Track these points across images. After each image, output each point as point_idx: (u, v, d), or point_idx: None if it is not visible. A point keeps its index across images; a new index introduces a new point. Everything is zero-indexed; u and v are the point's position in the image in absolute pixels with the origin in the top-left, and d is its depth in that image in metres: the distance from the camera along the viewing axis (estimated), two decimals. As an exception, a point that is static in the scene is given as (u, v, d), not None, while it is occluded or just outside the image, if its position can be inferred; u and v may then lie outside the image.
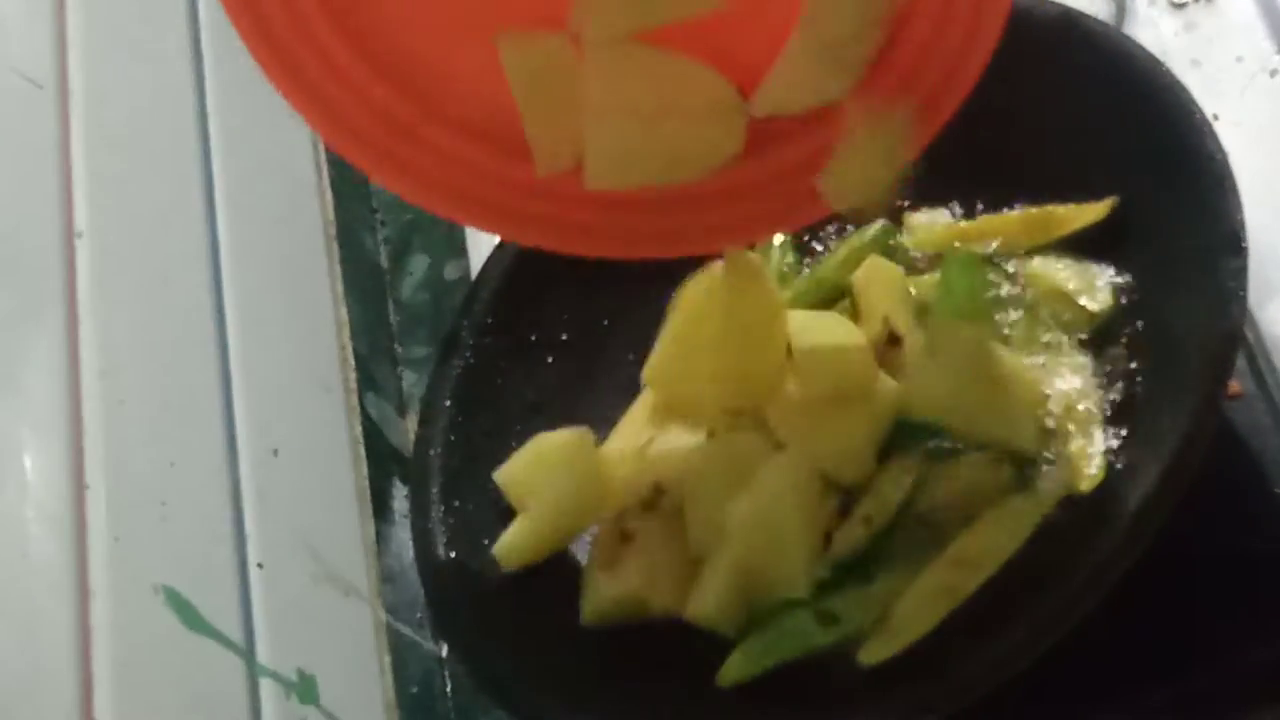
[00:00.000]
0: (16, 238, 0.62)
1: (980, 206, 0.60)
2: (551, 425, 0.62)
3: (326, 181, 0.85)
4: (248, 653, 0.62)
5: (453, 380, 0.62)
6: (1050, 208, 0.57)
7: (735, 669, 0.54)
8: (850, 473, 0.54)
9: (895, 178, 0.50)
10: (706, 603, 0.54)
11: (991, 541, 0.51)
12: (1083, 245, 0.57)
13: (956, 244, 0.58)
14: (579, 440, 0.60)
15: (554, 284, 0.64)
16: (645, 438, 0.59)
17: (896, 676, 0.50)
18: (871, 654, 0.51)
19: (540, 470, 0.59)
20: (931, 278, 0.58)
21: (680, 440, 0.57)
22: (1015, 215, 0.58)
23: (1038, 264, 0.57)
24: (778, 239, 0.64)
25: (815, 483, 0.54)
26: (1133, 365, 0.53)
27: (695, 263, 0.62)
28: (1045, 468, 0.52)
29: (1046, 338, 0.55)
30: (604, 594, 0.57)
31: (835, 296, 0.60)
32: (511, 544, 0.58)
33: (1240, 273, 0.48)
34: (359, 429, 0.76)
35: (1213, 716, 0.53)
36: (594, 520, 0.58)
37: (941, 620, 0.50)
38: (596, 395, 0.63)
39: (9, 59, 0.66)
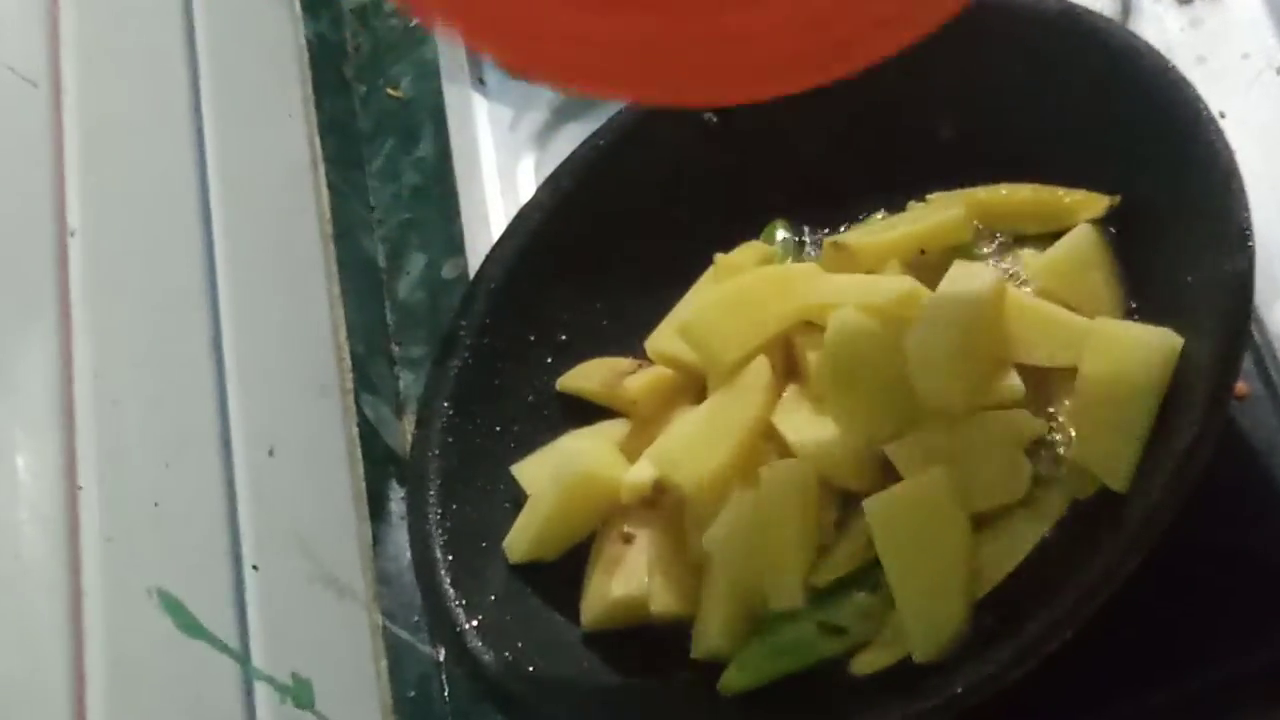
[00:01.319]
0: (9, 236, 0.62)
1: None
2: (551, 426, 0.62)
3: (323, 180, 0.84)
4: (242, 656, 0.62)
5: (450, 381, 0.62)
6: (1058, 190, 0.56)
7: (736, 679, 0.53)
8: (854, 480, 0.54)
9: None
10: (710, 639, 0.54)
11: (996, 551, 0.50)
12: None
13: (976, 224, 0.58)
14: (596, 437, 0.60)
15: (553, 284, 0.64)
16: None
17: (898, 681, 0.49)
18: (866, 664, 0.51)
19: (553, 465, 0.59)
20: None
21: (685, 437, 0.57)
22: (1025, 193, 0.57)
23: (1040, 265, 0.56)
24: (780, 233, 0.63)
25: (815, 488, 0.53)
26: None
27: (700, 265, 0.62)
28: (1051, 476, 0.51)
29: None
30: (604, 597, 0.56)
31: None
32: (516, 537, 0.58)
33: (1246, 270, 0.47)
34: (355, 430, 0.76)
35: (1214, 717, 0.52)
36: (600, 518, 0.58)
37: None
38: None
39: (2, 56, 0.66)
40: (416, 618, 0.73)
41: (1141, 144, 0.53)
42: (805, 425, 0.55)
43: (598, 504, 0.58)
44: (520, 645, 0.55)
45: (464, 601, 0.56)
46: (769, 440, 0.56)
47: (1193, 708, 0.52)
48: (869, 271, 0.57)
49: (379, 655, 0.71)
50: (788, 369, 0.57)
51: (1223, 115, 0.59)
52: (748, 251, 0.62)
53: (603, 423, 0.61)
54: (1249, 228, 0.48)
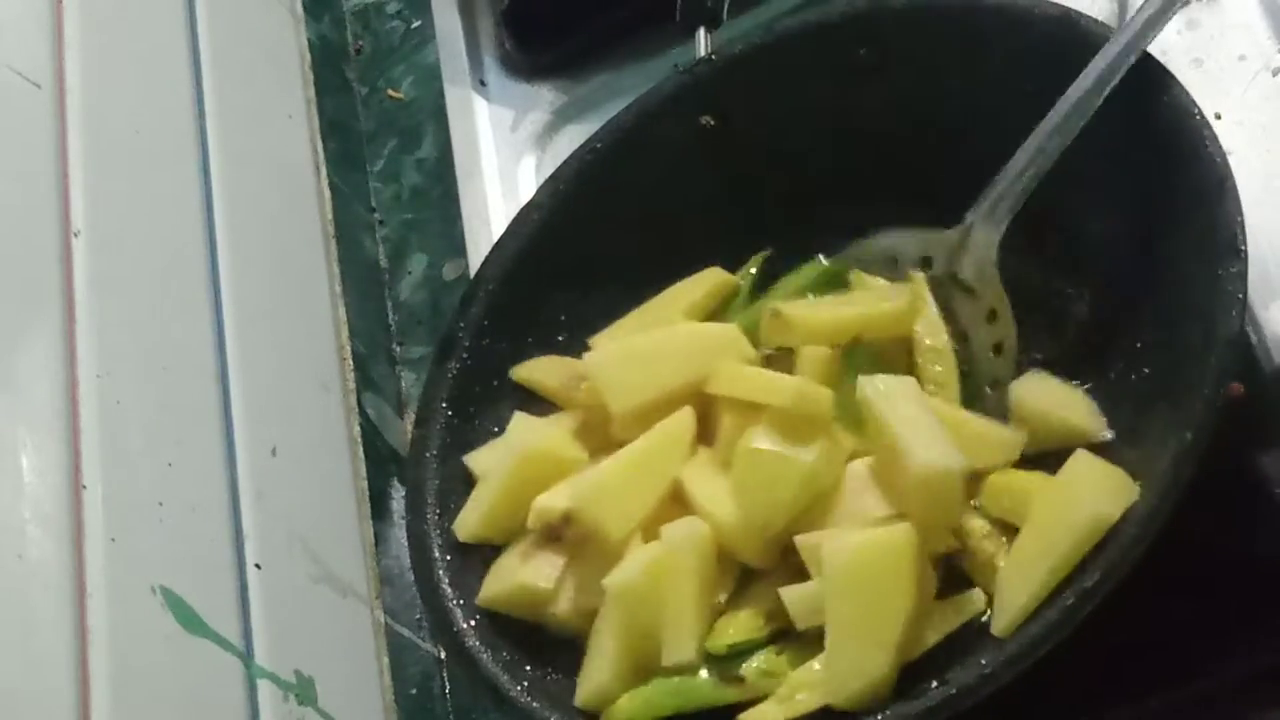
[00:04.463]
0: (14, 236, 0.62)
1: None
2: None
3: (325, 181, 0.85)
4: (246, 654, 0.62)
5: (449, 382, 0.62)
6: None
7: (625, 711, 0.51)
8: (754, 557, 0.53)
9: None
10: (599, 680, 0.52)
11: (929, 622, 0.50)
12: (1083, 248, 0.57)
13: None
14: (546, 420, 0.60)
15: (551, 285, 0.64)
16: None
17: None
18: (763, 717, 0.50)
19: (502, 446, 0.59)
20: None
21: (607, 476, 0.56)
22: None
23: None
24: (753, 270, 0.63)
25: (713, 551, 0.52)
26: (1134, 367, 0.53)
27: (697, 267, 0.63)
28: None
29: None
30: (509, 576, 0.56)
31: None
32: (466, 516, 0.58)
33: (1240, 275, 0.47)
34: (357, 429, 0.76)
35: (1214, 718, 0.52)
36: (538, 492, 0.57)
37: None
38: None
39: (7, 58, 0.66)
40: (418, 616, 0.73)
41: (1136, 148, 0.53)
42: (713, 490, 0.54)
43: (545, 480, 0.57)
44: (519, 645, 0.55)
45: (462, 601, 0.56)
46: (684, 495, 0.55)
47: (1192, 709, 0.52)
48: (804, 343, 0.56)
49: (381, 653, 0.71)
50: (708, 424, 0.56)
51: (1219, 117, 0.59)
52: (703, 282, 0.62)
53: (556, 415, 0.61)
54: (1242, 232, 0.48)
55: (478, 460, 0.60)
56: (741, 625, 0.52)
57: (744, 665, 0.51)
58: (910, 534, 0.49)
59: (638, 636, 0.52)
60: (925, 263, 0.59)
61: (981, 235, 0.57)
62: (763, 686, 0.50)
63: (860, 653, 0.48)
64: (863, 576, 0.49)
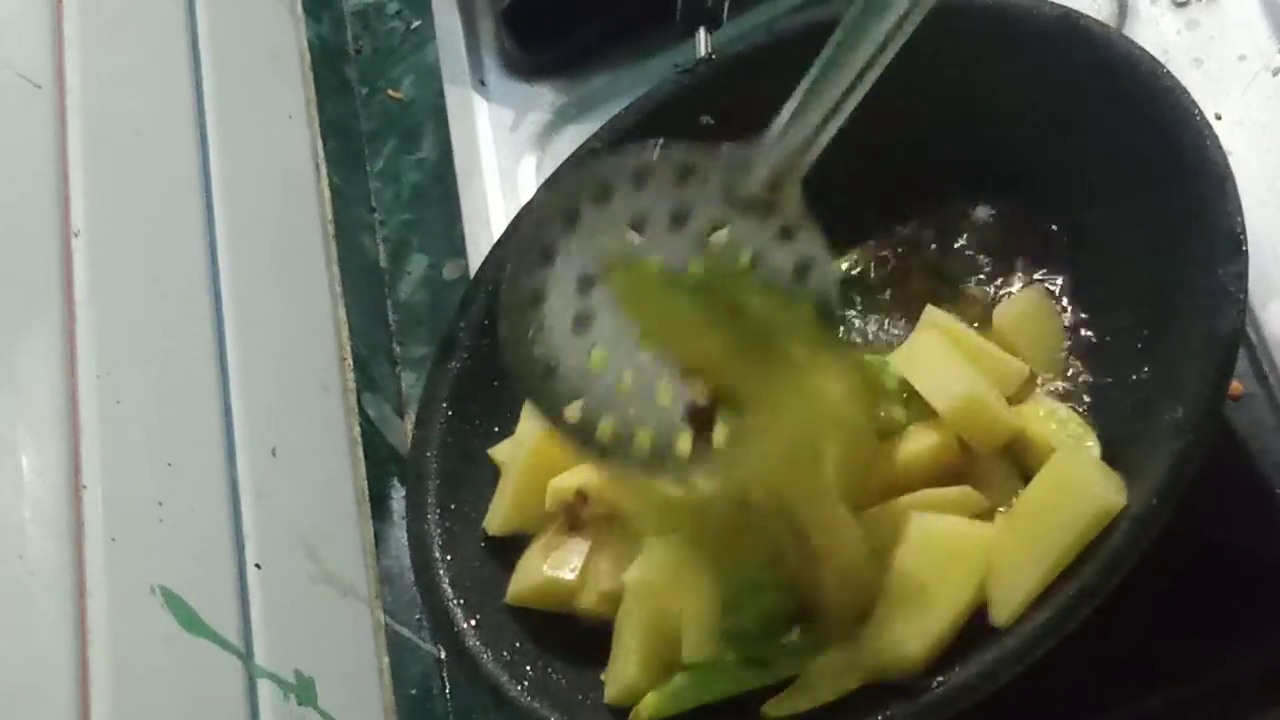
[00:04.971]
0: (14, 237, 0.62)
1: (980, 207, 0.60)
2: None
3: (325, 181, 0.85)
4: (246, 654, 0.62)
5: (449, 381, 0.62)
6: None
7: (654, 706, 0.52)
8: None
9: None
10: (627, 678, 0.52)
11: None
12: (1080, 250, 0.57)
13: None
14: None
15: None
16: None
17: (893, 684, 0.49)
18: (777, 708, 0.50)
19: (519, 433, 0.59)
20: None
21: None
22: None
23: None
24: None
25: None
26: (1134, 367, 0.53)
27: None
28: None
29: None
30: (534, 573, 0.56)
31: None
32: (494, 509, 0.59)
33: (1240, 275, 0.47)
34: (357, 429, 0.76)
35: (1214, 718, 0.52)
36: (559, 473, 0.57)
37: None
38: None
39: (7, 59, 0.66)
40: (418, 616, 0.73)
41: (1136, 148, 0.53)
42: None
43: (562, 464, 0.57)
44: (519, 645, 0.55)
45: (462, 601, 0.56)
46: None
47: (1192, 709, 0.52)
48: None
49: (381, 653, 0.71)
50: None
51: (1219, 117, 0.59)
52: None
53: None
54: (1242, 232, 0.48)
55: (501, 451, 0.61)
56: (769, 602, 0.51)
57: (768, 649, 0.51)
58: (993, 532, 0.49)
59: (660, 630, 0.52)
60: (683, 172, 0.49)
61: (786, 143, 0.48)
62: (787, 669, 0.50)
63: (906, 629, 0.48)
64: (938, 559, 0.49)
